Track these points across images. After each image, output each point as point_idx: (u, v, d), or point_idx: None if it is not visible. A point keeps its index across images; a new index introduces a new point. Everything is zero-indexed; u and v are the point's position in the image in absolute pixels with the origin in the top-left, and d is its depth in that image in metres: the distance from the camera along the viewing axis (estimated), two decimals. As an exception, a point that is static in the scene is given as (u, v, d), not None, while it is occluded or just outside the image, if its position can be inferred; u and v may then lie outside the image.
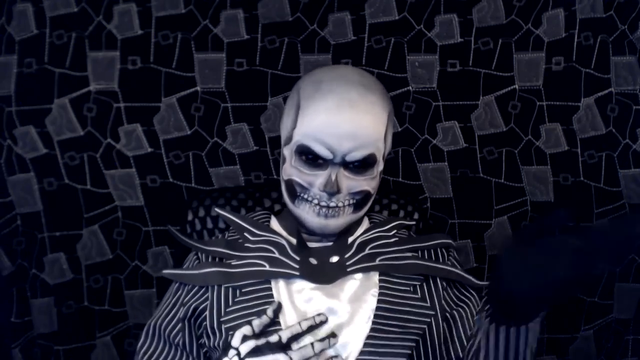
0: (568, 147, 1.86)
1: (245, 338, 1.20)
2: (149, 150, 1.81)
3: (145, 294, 1.85)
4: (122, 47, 1.76)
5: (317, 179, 1.30)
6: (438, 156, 1.87)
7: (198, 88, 1.80)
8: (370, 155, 1.29)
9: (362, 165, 1.30)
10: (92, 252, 1.82)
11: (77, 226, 1.81)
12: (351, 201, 1.32)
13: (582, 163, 1.86)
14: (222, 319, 1.28)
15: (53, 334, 1.81)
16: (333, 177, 1.28)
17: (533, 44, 1.82)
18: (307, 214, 1.32)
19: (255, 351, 1.19)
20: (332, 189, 1.28)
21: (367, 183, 1.32)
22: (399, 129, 1.85)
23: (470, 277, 1.39)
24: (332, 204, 1.30)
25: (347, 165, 1.29)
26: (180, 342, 1.32)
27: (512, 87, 1.84)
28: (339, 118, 1.26)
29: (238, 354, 1.19)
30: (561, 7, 1.80)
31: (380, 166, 1.34)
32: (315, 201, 1.31)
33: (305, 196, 1.31)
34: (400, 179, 1.87)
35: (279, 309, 1.26)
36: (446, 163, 1.87)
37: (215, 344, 1.29)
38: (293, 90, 1.37)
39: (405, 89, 1.84)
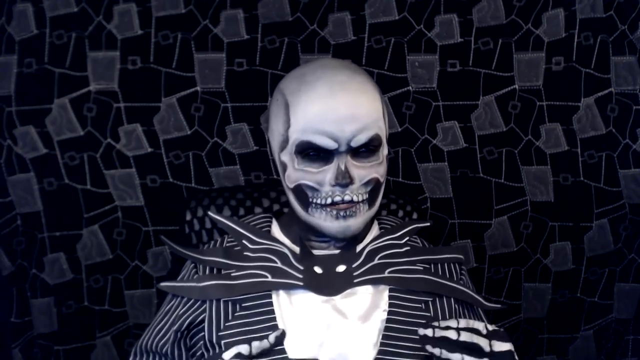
0: (568, 147, 1.86)
1: (239, 355, 1.15)
2: (149, 150, 1.81)
3: (145, 294, 1.85)
4: (122, 47, 1.76)
5: (326, 174, 1.21)
6: (438, 156, 1.87)
7: (198, 88, 1.80)
8: (375, 137, 1.21)
9: (368, 150, 1.22)
10: (92, 252, 1.82)
11: (77, 226, 1.81)
12: (364, 195, 1.22)
13: (582, 163, 1.86)
14: (220, 334, 1.23)
15: (53, 334, 1.81)
16: (342, 167, 1.19)
17: (533, 44, 1.82)
18: (324, 221, 1.23)
19: None
20: (345, 179, 1.19)
21: (375, 170, 1.23)
22: (399, 129, 1.85)
23: (481, 300, 1.33)
24: (346, 198, 1.21)
25: (354, 152, 1.21)
26: (169, 352, 1.27)
27: (512, 87, 1.84)
28: (334, 102, 1.19)
29: None
30: (561, 7, 1.80)
31: (385, 149, 1.26)
32: (329, 200, 1.21)
33: (318, 200, 1.22)
34: (400, 179, 1.87)
35: (282, 336, 1.19)
36: (446, 163, 1.87)
37: None
38: (275, 95, 1.28)
39: (405, 89, 1.84)
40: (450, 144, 1.86)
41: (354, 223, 1.23)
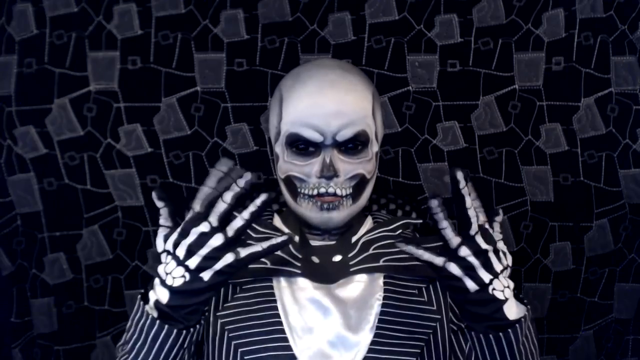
0: (568, 147, 1.86)
1: (171, 238, 1.13)
2: (149, 150, 1.81)
3: (145, 294, 1.85)
4: (122, 47, 1.76)
5: (313, 166, 1.28)
6: (438, 156, 1.87)
7: (198, 88, 1.80)
8: (361, 133, 1.28)
9: (355, 146, 1.28)
10: (92, 252, 1.82)
11: (77, 226, 1.81)
12: (349, 190, 1.29)
13: (582, 163, 1.86)
14: (218, 314, 1.27)
15: (53, 334, 1.81)
16: (328, 160, 1.26)
17: (533, 44, 1.82)
18: (309, 211, 1.30)
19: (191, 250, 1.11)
20: (329, 172, 1.26)
21: (363, 166, 1.30)
22: (399, 129, 1.85)
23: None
24: (330, 190, 1.27)
25: (340, 147, 1.28)
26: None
27: (512, 87, 1.84)
28: (322, 98, 1.26)
29: (174, 256, 1.12)
30: (561, 7, 1.80)
31: (374, 147, 1.32)
32: (315, 191, 1.28)
33: (305, 191, 1.29)
34: (400, 179, 1.87)
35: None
36: (446, 163, 1.87)
37: (210, 340, 1.27)
38: (275, 92, 1.37)
39: (405, 89, 1.84)
40: (450, 144, 1.86)
41: (337, 215, 1.30)
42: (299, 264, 1.30)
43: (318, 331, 1.25)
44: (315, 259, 1.32)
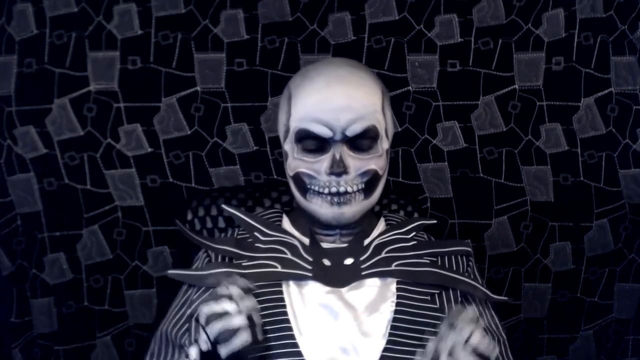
0: (568, 147, 1.86)
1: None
2: (149, 150, 1.81)
3: (145, 294, 1.85)
4: (122, 47, 1.76)
5: (323, 163, 1.26)
6: (438, 156, 1.87)
7: (198, 88, 1.80)
8: (371, 128, 1.26)
9: (365, 142, 1.26)
10: (92, 252, 1.82)
11: (77, 226, 1.81)
12: (360, 185, 1.27)
13: (582, 163, 1.86)
14: None
15: (53, 334, 1.81)
16: (337, 156, 1.24)
17: (533, 44, 1.82)
18: (320, 207, 1.27)
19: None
20: (339, 168, 1.24)
21: (374, 162, 1.27)
22: (399, 129, 1.85)
23: (487, 291, 1.33)
24: (342, 189, 1.25)
25: (349, 142, 1.26)
26: (187, 342, 1.26)
27: (512, 87, 1.84)
28: (330, 93, 1.25)
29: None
30: (561, 7, 1.81)
31: (384, 143, 1.30)
32: (326, 190, 1.26)
33: (316, 188, 1.27)
34: (400, 179, 1.87)
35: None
36: (446, 163, 1.87)
37: None
38: (284, 91, 1.35)
39: (405, 89, 1.84)
40: (450, 144, 1.86)
41: (349, 210, 1.27)
42: (309, 267, 1.28)
43: (329, 337, 1.22)
44: (326, 262, 1.29)
